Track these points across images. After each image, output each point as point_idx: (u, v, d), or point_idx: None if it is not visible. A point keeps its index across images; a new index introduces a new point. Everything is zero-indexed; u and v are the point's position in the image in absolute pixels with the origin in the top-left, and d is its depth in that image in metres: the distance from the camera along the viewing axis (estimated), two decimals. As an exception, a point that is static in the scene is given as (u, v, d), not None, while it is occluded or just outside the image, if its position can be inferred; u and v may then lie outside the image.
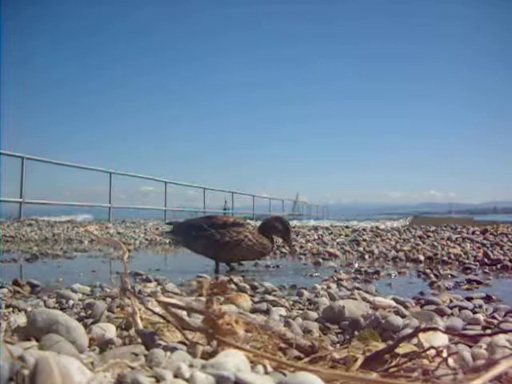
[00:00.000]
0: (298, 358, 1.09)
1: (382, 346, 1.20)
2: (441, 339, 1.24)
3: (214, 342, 1.07)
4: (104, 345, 1.23)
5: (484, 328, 1.70)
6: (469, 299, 2.35)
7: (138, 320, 1.26)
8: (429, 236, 6.19)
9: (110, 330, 1.30)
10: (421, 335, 1.14)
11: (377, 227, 8.07)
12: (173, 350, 1.05)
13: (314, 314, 1.81)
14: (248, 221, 4.02)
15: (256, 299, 2.26)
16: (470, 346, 1.28)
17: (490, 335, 1.27)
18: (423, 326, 1.43)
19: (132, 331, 1.29)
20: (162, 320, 1.23)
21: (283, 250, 5.23)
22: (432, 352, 1.04)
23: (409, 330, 1.41)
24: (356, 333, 1.52)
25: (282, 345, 1.11)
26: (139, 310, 1.30)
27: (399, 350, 1.04)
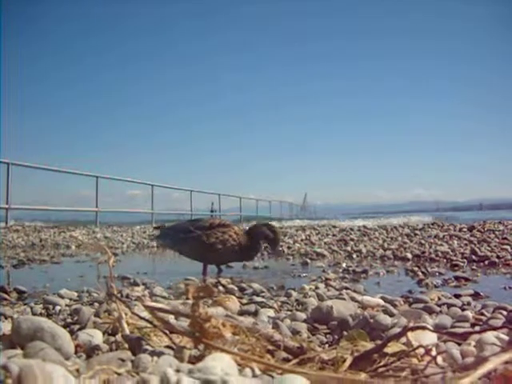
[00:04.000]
0: (287, 360, 1.07)
1: (370, 345, 1.20)
2: (430, 338, 1.23)
3: (202, 346, 1.06)
4: (90, 351, 1.21)
5: (473, 325, 1.70)
6: (457, 296, 2.36)
7: (125, 325, 1.25)
8: (416, 234, 6.20)
9: (96, 336, 1.29)
10: (409, 334, 1.13)
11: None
12: (159, 354, 1.04)
13: (303, 315, 1.81)
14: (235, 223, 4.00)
15: (244, 301, 2.26)
16: (459, 344, 1.28)
17: (478, 332, 1.26)
18: (411, 324, 1.42)
19: (119, 336, 1.28)
20: (148, 325, 1.21)
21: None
22: (421, 351, 1.04)
23: (397, 329, 1.41)
24: (345, 333, 1.52)
25: (270, 347, 1.10)
26: (125, 314, 1.29)
27: (388, 350, 1.04)
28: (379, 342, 1.21)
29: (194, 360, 1.03)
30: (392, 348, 1.05)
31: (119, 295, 2.42)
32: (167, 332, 1.14)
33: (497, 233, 5.82)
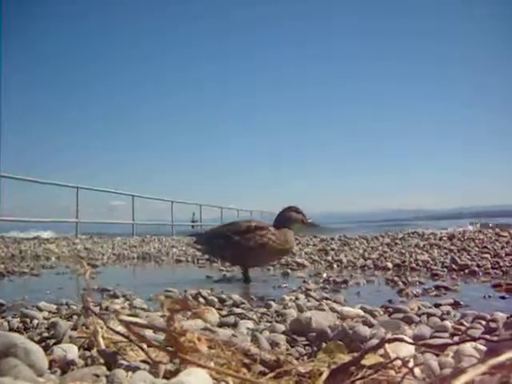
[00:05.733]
0: (263, 374, 1.07)
1: (347, 357, 1.19)
2: (407, 349, 1.23)
3: (178, 361, 1.04)
4: (65, 366, 1.19)
5: (452, 335, 1.70)
6: (437, 306, 2.36)
7: (100, 340, 1.24)
8: (396, 243, 6.22)
9: (71, 351, 1.26)
10: (387, 345, 1.13)
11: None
12: (135, 369, 1.02)
13: (282, 327, 1.79)
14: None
15: (224, 312, 2.24)
16: (437, 355, 1.28)
17: (456, 344, 1.26)
18: (389, 335, 1.42)
19: (95, 351, 1.26)
20: (124, 339, 1.20)
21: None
22: (398, 362, 1.03)
23: (376, 341, 1.40)
24: (324, 344, 1.51)
25: (247, 360, 1.09)
26: (101, 328, 1.28)
27: (365, 362, 1.03)
28: (358, 353, 1.20)
29: (170, 375, 1.02)
30: (369, 360, 1.05)
31: (98, 308, 2.42)
32: (143, 346, 1.12)
33: (477, 241, 5.84)
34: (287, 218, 4.07)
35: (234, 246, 3.92)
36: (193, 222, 24.04)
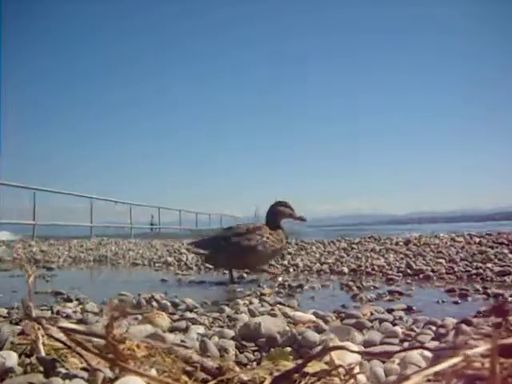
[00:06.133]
0: (205, 382, 1.04)
1: (292, 365, 1.17)
2: (354, 356, 1.22)
3: (118, 369, 1.02)
4: (4, 374, 1.15)
5: (402, 341, 1.71)
6: (390, 311, 2.36)
7: (41, 346, 1.20)
8: (353, 248, 6.23)
9: (10, 358, 1.22)
10: (333, 352, 1.12)
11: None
12: (72, 377, 0.99)
13: (231, 332, 1.77)
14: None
15: (176, 317, 2.21)
16: (384, 362, 1.27)
17: (400, 351, 1.25)
18: (333, 343, 1.41)
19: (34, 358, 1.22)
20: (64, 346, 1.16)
21: (208, 265, 5.25)
22: (342, 370, 1.02)
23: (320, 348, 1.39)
24: (272, 350, 1.49)
25: (189, 368, 1.07)
26: (42, 336, 1.24)
27: (309, 369, 1.02)
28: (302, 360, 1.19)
29: (110, 383, 0.99)
30: (314, 367, 1.03)
31: (50, 312, 2.37)
32: (82, 354, 1.09)
33: (432, 246, 5.88)
34: (277, 213, 4.19)
35: (232, 247, 4.01)
36: (151, 224, 23.97)
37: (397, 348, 1.51)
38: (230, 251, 4.01)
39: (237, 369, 1.14)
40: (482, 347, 0.72)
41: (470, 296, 3.01)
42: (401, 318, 2.18)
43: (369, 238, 7.35)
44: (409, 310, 2.51)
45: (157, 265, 5.97)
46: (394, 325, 1.99)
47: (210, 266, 4.97)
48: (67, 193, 16.65)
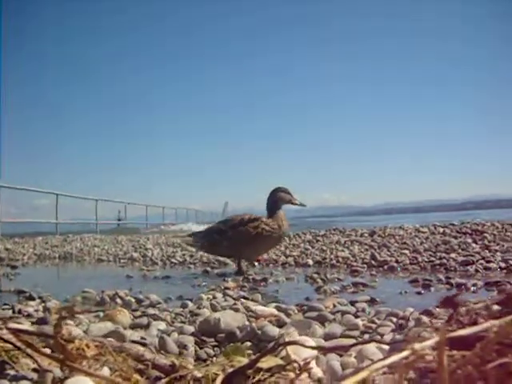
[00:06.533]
0: (158, 379, 1.03)
1: (247, 360, 1.16)
2: (310, 350, 1.21)
3: (68, 369, 1.00)
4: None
5: (363, 333, 1.71)
6: (353, 303, 2.36)
7: (-9, 348, 1.17)
8: (318, 240, 6.25)
9: (-40, 360, 1.20)
10: (291, 347, 1.11)
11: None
12: (20, 379, 0.97)
13: (191, 328, 1.76)
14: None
15: (138, 313, 2.19)
16: (341, 355, 1.27)
17: (352, 346, 1.25)
18: (287, 338, 1.41)
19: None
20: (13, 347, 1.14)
21: (173, 260, 5.23)
22: (297, 365, 1.01)
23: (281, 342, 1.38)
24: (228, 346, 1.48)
25: (141, 366, 1.05)
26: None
27: (263, 364, 1.01)
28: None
29: (59, 383, 0.97)
30: (268, 362, 1.02)
31: (11, 311, 2.33)
32: (31, 354, 1.07)
33: (397, 237, 5.92)
34: (277, 200, 4.21)
35: (229, 238, 4.09)
36: (118, 220, 23.81)
37: (353, 341, 1.51)
38: (226, 243, 4.09)
39: (190, 366, 1.13)
40: (431, 340, 0.71)
41: (433, 286, 3.03)
42: (363, 310, 2.19)
43: (334, 230, 7.37)
44: (372, 301, 2.52)
45: (122, 261, 5.94)
46: (357, 317, 1.99)
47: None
48: (32, 189, 16.40)
